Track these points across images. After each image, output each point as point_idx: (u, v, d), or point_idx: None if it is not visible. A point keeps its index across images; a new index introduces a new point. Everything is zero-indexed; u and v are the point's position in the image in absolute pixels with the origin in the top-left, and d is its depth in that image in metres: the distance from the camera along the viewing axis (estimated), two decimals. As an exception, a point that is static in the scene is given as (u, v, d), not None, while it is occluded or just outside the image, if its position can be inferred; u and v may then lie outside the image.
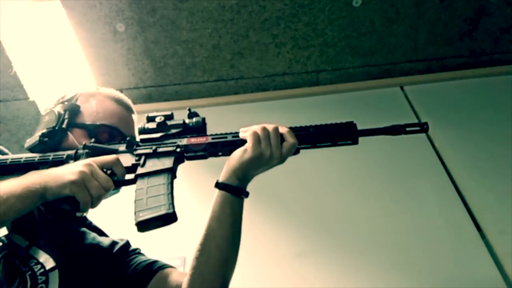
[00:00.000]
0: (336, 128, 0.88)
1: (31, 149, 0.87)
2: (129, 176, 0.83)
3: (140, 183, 0.81)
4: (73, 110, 0.92)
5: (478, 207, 1.39)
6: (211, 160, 0.90)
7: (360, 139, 0.88)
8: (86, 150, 0.84)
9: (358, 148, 1.59)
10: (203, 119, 0.90)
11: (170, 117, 0.89)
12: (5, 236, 0.78)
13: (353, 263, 1.29)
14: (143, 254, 0.97)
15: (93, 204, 0.75)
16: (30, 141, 0.88)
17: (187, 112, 0.90)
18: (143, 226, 0.76)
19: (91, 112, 0.93)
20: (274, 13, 1.73)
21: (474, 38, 1.87)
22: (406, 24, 1.81)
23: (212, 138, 0.87)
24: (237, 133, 0.88)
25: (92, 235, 0.92)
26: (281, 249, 1.35)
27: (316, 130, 0.87)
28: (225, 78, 1.91)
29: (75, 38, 1.73)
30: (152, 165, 0.83)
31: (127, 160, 0.84)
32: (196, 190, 1.55)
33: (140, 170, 0.82)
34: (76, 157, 0.84)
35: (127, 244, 0.96)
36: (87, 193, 0.73)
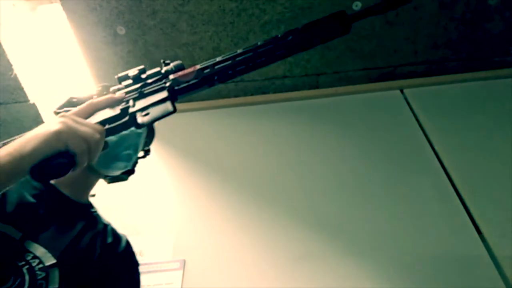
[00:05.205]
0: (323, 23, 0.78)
1: None
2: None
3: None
4: None
5: (478, 210, 1.39)
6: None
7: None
8: None
9: (357, 151, 1.59)
10: (182, 63, 0.79)
11: (143, 70, 0.80)
12: None
13: (352, 267, 1.29)
14: None
15: (91, 153, 0.64)
16: None
17: (162, 62, 0.80)
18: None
19: None
20: (274, 16, 1.74)
21: (474, 41, 1.87)
22: (406, 27, 1.81)
23: (201, 65, 0.77)
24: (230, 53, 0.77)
25: (94, 231, 0.90)
26: (279, 252, 1.34)
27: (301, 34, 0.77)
28: (225, 81, 1.91)
29: (75, 40, 1.73)
30: (145, 102, 0.74)
31: (110, 112, 0.73)
32: (196, 196, 1.55)
33: (132, 109, 0.73)
34: None
35: (129, 242, 0.95)
36: (80, 138, 0.62)
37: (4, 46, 1.62)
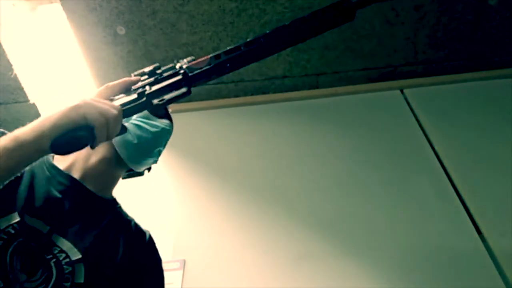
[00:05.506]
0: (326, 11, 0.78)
1: None
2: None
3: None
4: None
5: (478, 210, 1.39)
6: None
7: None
8: None
9: (357, 151, 1.59)
10: (194, 58, 0.84)
11: (158, 67, 0.83)
12: (18, 222, 0.74)
13: (352, 267, 1.29)
14: None
15: (110, 128, 0.66)
16: None
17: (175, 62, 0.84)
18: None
19: None
20: (274, 16, 1.74)
21: (474, 41, 1.87)
22: (405, 27, 1.81)
23: (213, 53, 0.82)
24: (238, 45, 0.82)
25: (120, 227, 0.90)
26: (279, 252, 1.34)
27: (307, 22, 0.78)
28: (225, 81, 1.91)
29: (75, 40, 1.73)
30: (160, 85, 0.78)
31: (127, 98, 0.76)
32: (196, 196, 1.55)
33: (148, 92, 0.76)
34: None
35: (152, 238, 0.96)
36: (98, 112, 0.64)
37: (4, 46, 1.62)
